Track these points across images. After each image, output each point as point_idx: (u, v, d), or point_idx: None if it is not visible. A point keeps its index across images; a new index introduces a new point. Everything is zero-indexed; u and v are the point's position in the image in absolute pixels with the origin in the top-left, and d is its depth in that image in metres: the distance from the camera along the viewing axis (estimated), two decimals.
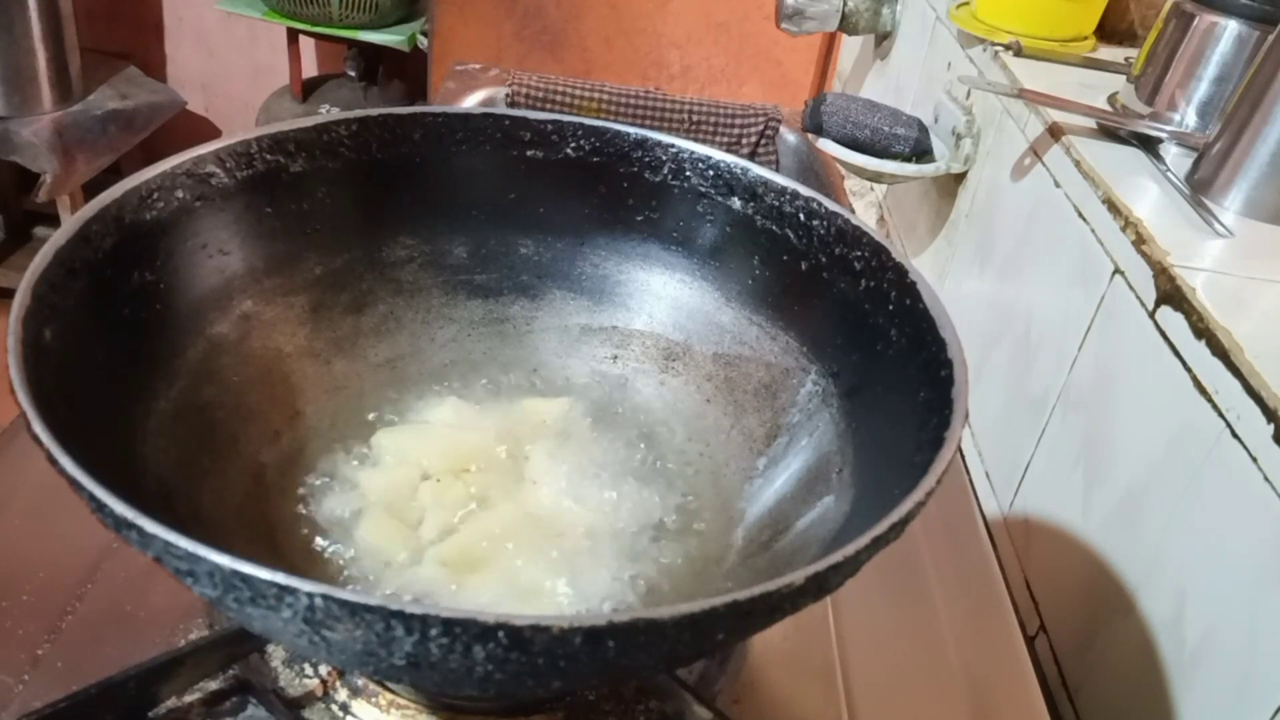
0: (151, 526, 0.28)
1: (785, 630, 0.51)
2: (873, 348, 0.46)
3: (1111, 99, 0.80)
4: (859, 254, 0.48)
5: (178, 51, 2.27)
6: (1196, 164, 0.67)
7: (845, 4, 1.20)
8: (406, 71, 2.13)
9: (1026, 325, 0.73)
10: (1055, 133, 0.74)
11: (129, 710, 0.41)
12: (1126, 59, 0.87)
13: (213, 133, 2.35)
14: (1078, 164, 0.69)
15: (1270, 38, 0.62)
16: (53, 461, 0.30)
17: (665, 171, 0.54)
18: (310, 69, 2.22)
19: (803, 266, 0.51)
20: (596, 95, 1.06)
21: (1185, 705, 0.50)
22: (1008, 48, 0.88)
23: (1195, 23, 0.72)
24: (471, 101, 1.07)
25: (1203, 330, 0.52)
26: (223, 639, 0.43)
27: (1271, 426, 0.45)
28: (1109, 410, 0.60)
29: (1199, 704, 0.49)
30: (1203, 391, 0.51)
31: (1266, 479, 0.46)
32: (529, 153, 0.55)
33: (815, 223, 0.50)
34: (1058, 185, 0.72)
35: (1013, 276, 0.78)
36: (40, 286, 0.37)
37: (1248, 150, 0.63)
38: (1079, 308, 0.65)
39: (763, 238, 0.52)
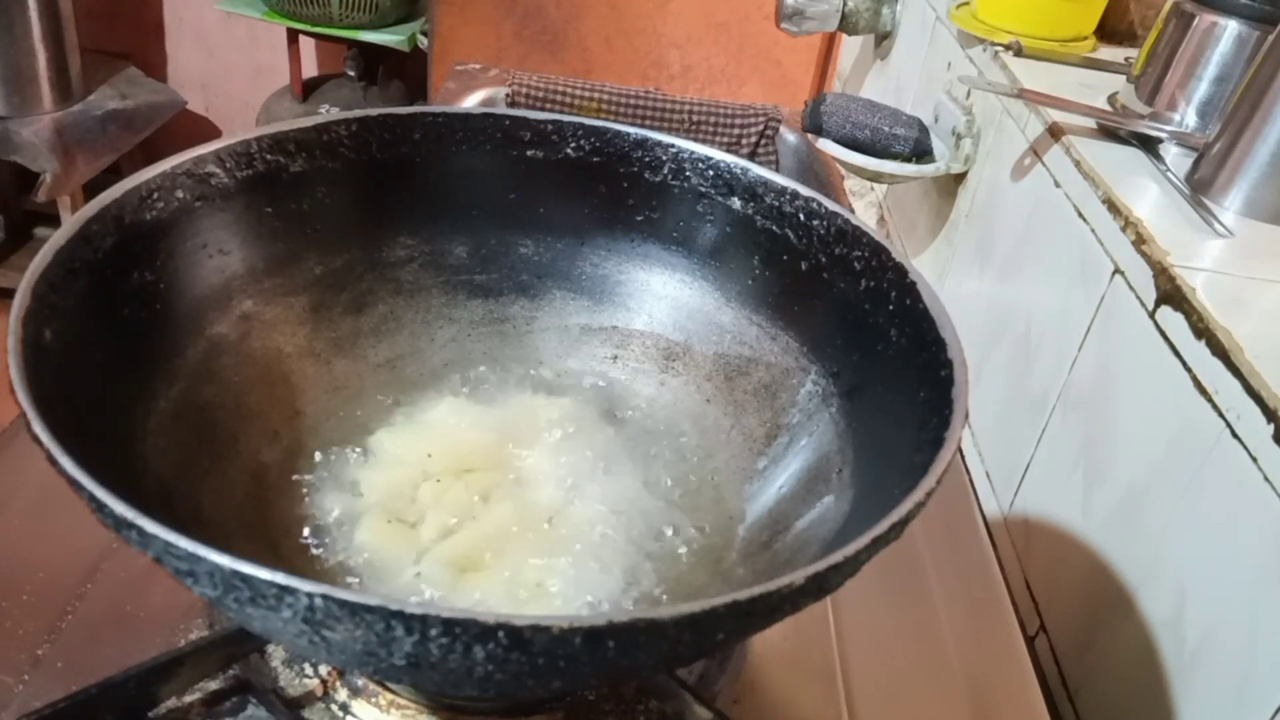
0: (151, 526, 0.28)
1: (785, 630, 0.51)
2: (873, 348, 0.46)
3: (1111, 99, 0.80)
4: (859, 254, 0.48)
5: (178, 51, 2.27)
6: (1196, 164, 0.67)
7: (845, 4, 1.20)
8: (406, 71, 2.13)
9: (1026, 325, 0.73)
10: (1055, 133, 0.74)
11: (129, 710, 0.41)
12: (1126, 59, 0.87)
13: (213, 133, 2.35)
14: (1078, 164, 0.69)
15: (1270, 38, 0.62)
16: (53, 461, 0.30)
17: (665, 171, 0.54)
18: (310, 69, 2.22)
19: (803, 266, 0.51)
20: (596, 95, 1.06)
21: (1185, 705, 0.50)
22: (1008, 48, 0.88)
23: (1195, 23, 0.72)
24: (471, 101, 1.07)
25: (1203, 330, 0.52)
26: (223, 639, 0.43)
27: (1271, 426, 0.45)
28: (1109, 410, 0.60)
29: (1199, 704, 0.49)
30: (1203, 391, 0.51)
31: (1266, 479, 0.46)
32: (529, 153, 0.55)
33: (815, 223, 0.50)
34: (1058, 185, 0.72)
35: (1013, 276, 0.78)
36: (40, 286, 0.37)
37: (1248, 150, 0.63)
38: (1079, 308, 0.65)
39: (763, 238, 0.52)
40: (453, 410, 0.52)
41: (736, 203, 0.53)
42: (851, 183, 1.14)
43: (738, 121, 1.08)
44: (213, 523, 0.42)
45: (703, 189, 0.54)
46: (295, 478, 0.48)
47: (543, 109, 1.04)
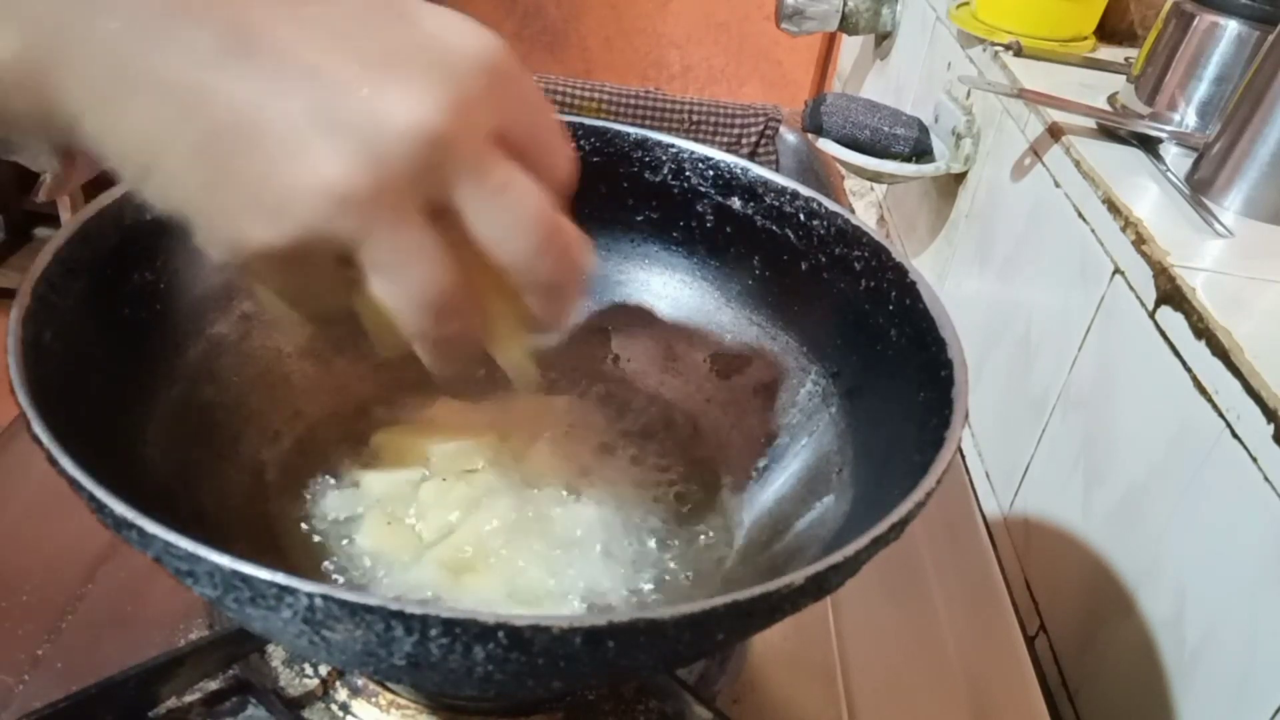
0: (151, 526, 0.28)
1: (785, 630, 0.51)
2: (873, 348, 0.46)
3: (1111, 99, 0.80)
4: (859, 254, 0.48)
5: None
6: (1196, 164, 0.67)
7: (845, 4, 1.20)
8: None
9: (1026, 325, 0.73)
10: (1055, 133, 0.74)
11: (129, 710, 0.41)
12: (1126, 59, 0.87)
13: None
14: (1078, 164, 0.69)
15: (1270, 38, 0.62)
16: (53, 462, 0.30)
17: (665, 171, 0.54)
18: None
19: (803, 266, 0.51)
20: (596, 95, 1.06)
21: (1185, 705, 0.50)
22: (1008, 48, 0.88)
23: (1195, 23, 0.72)
24: None
25: (1203, 330, 0.52)
26: (223, 639, 0.43)
27: (1271, 426, 0.45)
28: (1109, 410, 0.61)
29: (1199, 704, 0.49)
30: (1203, 391, 0.51)
31: (1266, 479, 0.46)
32: None
33: (815, 223, 0.50)
34: (1058, 185, 0.72)
35: (1013, 276, 0.78)
36: (40, 287, 0.37)
37: (1248, 150, 0.63)
38: (1079, 308, 0.65)
39: (763, 238, 0.52)
40: (453, 410, 0.52)
41: (736, 203, 0.53)
42: (851, 183, 1.14)
43: (738, 121, 1.08)
44: (213, 523, 0.42)
45: (703, 189, 0.54)
46: (295, 478, 0.48)
47: None
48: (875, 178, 0.96)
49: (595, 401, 0.55)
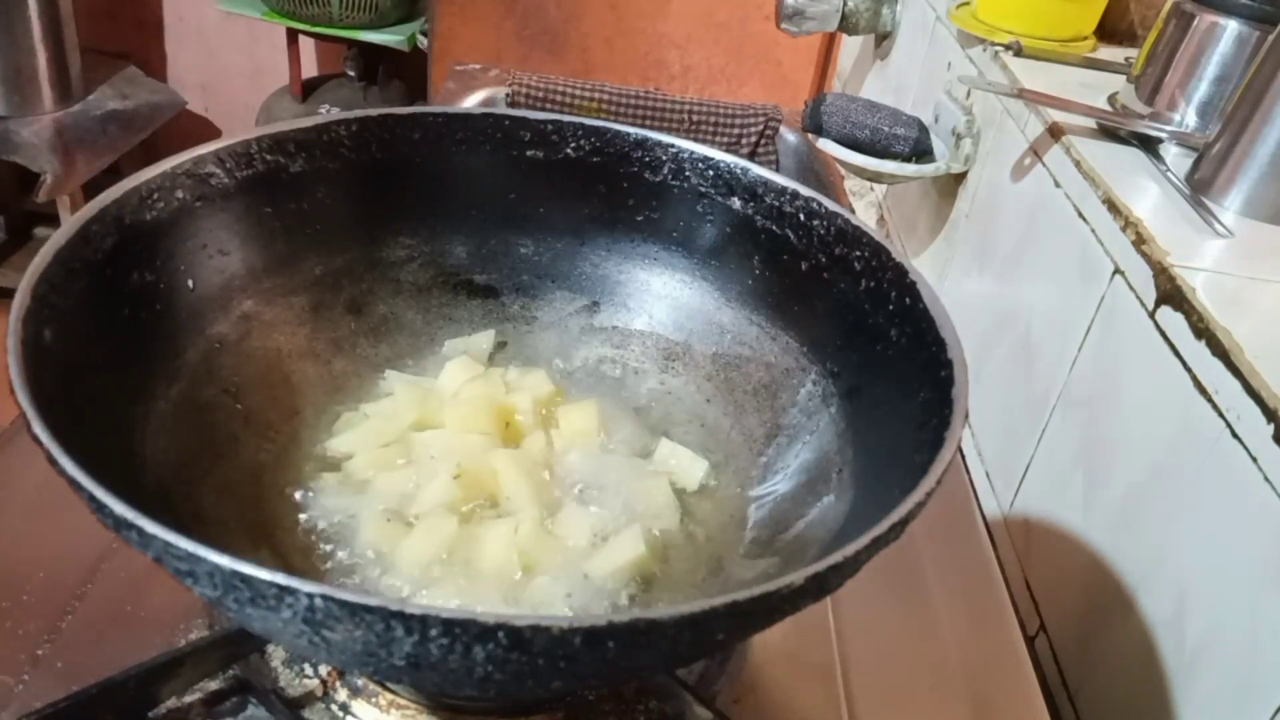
0: (151, 527, 0.28)
1: (785, 630, 0.51)
2: (873, 348, 0.46)
3: (1111, 99, 0.80)
4: (859, 254, 0.48)
5: (178, 51, 2.27)
6: (1196, 164, 0.67)
7: (845, 4, 1.20)
8: (406, 71, 2.13)
9: (1026, 325, 0.73)
10: (1055, 133, 0.74)
11: (129, 710, 0.41)
12: (1126, 59, 0.87)
13: (213, 133, 2.35)
14: (1078, 164, 0.69)
15: (1270, 38, 0.62)
16: (53, 461, 0.30)
17: (665, 171, 0.54)
18: (310, 69, 2.22)
19: (803, 266, 0.51)
20: (596, 95, 1.06)
21: (1185, 705, 0.50)
22: (1008, 48, 0.88)
23: (1195, 23, 0.72)
24: (471, 101, 1.06)
25: (1203, 330, 0.52)
26: (223, 639, 0.43)
27: (1271, 426, 0.45)
28: (1109, 410, 0.60)
29: (1199, 704, 0.49)
30: (1203, 391, 0.51)
31: (1266, 479, 0.46)
32: (529, 153, 0.55)
33: (815, 223, 0.50)
34: (1058, 185, 0.72)
35: (1013, 277, 0.78)
36: (40, 286, 0.37)
37: (1248, 150, 0.63)
38: (1079, 308, 0.65)
39: (763, 238, 0.52)
40: (453, 410, 0.52)
41: (736, 203, 0.53)
42: (851, 183, 1.14)
43: (738, 121, 1.08)
44: (213, 523, 0.42)
45: (703, 189, 0.54)
46: (295, 478, 0.48)
47: (543, 109, 1.04)
48: (875, 178, 0.96)
49: (596, 401, 0.54)
